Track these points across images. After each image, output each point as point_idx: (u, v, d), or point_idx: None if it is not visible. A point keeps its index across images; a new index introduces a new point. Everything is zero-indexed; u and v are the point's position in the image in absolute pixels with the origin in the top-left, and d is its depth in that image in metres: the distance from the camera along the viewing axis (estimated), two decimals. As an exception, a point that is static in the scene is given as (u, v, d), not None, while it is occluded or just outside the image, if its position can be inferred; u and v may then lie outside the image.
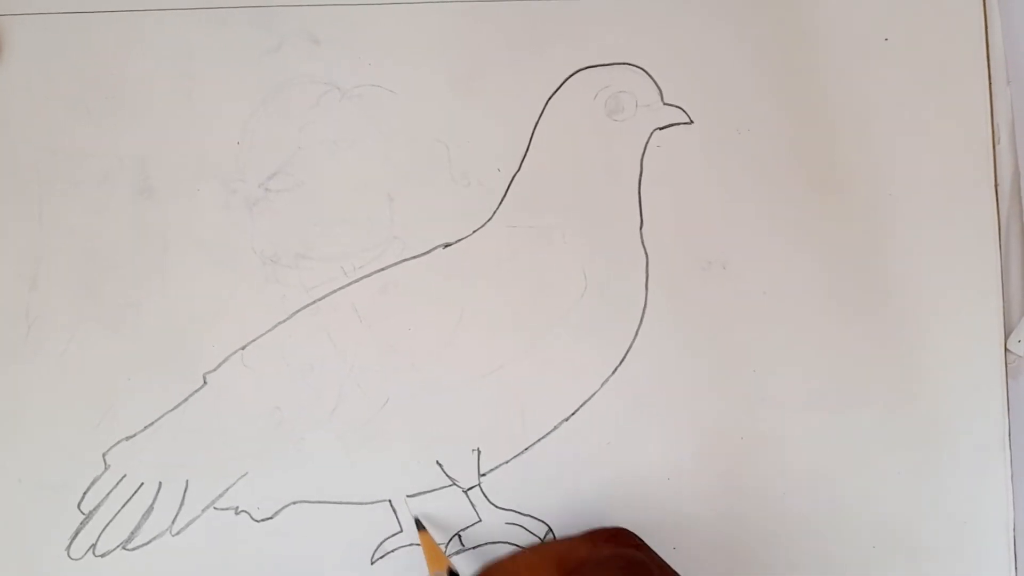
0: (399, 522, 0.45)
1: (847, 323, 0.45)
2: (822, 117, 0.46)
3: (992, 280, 0.45)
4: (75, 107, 0.45)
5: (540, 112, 0.46)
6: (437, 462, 0.45)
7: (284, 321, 0.45)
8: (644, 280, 0.45)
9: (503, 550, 0.45)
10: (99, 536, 0.44)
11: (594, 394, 0.45)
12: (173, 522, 0.44)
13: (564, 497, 0.45)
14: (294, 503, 0.45)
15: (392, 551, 0.45)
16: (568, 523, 0.45)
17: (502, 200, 0.45)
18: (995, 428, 0.45)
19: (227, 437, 0.45)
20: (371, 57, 0.46)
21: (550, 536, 0.45)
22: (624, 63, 0.46)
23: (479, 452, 0.45)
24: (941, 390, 0.45)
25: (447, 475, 0.45)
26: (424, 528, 0.44)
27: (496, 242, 0.45)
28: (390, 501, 0.45)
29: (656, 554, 0.41)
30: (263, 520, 0.44)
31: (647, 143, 0.46)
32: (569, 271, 0.45)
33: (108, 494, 0.44)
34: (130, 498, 0.44)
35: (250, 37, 0.45)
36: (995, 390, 0.45)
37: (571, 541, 0.41)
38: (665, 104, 0.46)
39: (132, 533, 0.44)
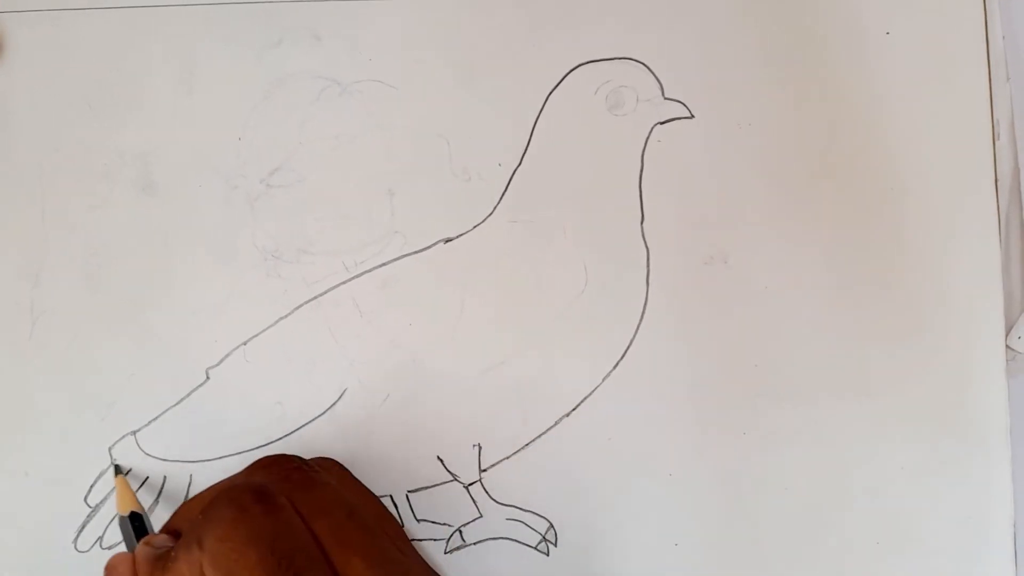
0: (399, 517, 0.45)
1: (848, 319, 0.45)
2: (823, 112, 0.45)
3: (992, 276, 0.45)
4: (76, 103, 0.45)
5: (541, 107, 0.45)
6: (438, 457, 0.45)
7: (286, 316, 0.45)
8: (645, 275, 0.45)
9: (504, 546, 0.45)
10: (106, 529, 0.45)
11: (595, 389, 0.45)
12: (177, 515, 0.45)
13: (565, 493, 0.45)
14: (296, 497, 0.45)
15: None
16: (569, 519, 0.45)
17: (503, 195, 0.45)
18: (996, 424, 0.45)
19: (230, 431, 0.45)
20: (371, 52, 0.46)
21: (552, 532, 0.45)
22: (625, 58, 0.46)
23: (480, 447, 0.45)
24: (942, 386, 0.45)
25: (448, 470, 0.45)
26: (121, 472, 0.44)
27: (497, 237, 0.45)
28: (391, 496, 0.45)
29: (318, 480, 0.38)
30: (266, 514, 0.45)
31: (648, 138, 0.45)
32: (570, 266, 0.45)
33: (114, 487, 0.44)
34: (136, 491, 0.44)
35: (251, 33, 0.45)
36: (996, 386, 0.45)
37: (237, 475, 0.40)
38: (666, 99, 0.45)
39: (139, 526, 0.45)
